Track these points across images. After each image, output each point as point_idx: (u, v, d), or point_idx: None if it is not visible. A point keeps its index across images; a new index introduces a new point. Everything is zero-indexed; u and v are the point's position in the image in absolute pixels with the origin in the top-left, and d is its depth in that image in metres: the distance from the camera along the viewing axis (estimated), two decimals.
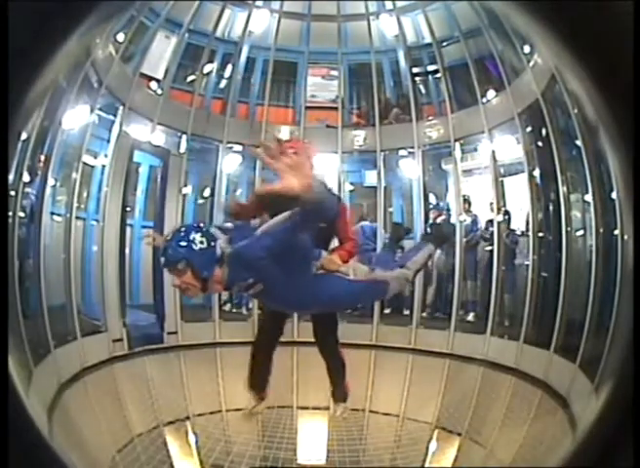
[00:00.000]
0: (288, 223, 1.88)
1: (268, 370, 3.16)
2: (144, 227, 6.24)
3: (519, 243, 5.72)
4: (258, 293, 2.08)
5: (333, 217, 1.96)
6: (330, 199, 1.80)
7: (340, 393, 3.24)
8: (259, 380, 3.17)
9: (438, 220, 6.19)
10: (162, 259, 1.98)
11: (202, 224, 2.09)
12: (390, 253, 3.09)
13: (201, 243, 1.94)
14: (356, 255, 2.78)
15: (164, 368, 5.01)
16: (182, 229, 2.05)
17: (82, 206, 5.32)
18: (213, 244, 1.97)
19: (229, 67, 6.83)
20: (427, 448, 3.10)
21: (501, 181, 5.92)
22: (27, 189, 4.32)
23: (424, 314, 6.12)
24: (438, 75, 6.55)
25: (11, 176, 3.24)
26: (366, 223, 6.42)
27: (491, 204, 5.92)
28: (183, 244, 1.94)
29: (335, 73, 7.01)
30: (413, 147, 6.38)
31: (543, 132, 5.17)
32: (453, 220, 6.20)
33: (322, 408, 3.62)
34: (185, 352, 5.39)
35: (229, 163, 6.57)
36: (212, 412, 3.55)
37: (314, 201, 1.67)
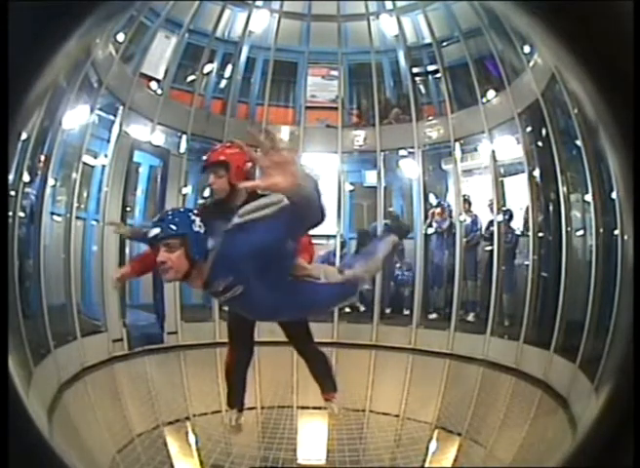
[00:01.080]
0: (274, 223, 1.80)
1: (245, 385, 2.97)
2: (144, 227, 6.23)
3: (519, 243, 5.72)
4: (236, 297, 1.98)
5: (317, 223, 1.81)
6: (319, 202, 1.69)
7: (329, 384, 3.14)
8: (238, 398, 2.97)
9: (438, 219, 6.19)
10: (155, 230, 1.85)
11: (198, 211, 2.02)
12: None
13: (199, 227, 1.89)
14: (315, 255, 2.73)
15: (164, 368, 5.01)
16: (183, 209, 2.02)
17: (82, 206, 5.33)
18: (207, 233, 1.90)
19: (229, 67, 6.84)
20: (427, 448, 3.10)
21: (501, 181, 5.92)
22: (27, 189, 4.32)
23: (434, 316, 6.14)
24: (438, 75, 6.55)
25: (11, 176, 3.24)
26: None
27: (490, 203, 5.93)
28: (185, 221, 1.88)
29: (335, 73, 7.01)
30: (413, 147, 6.38)
31: (543, 132, 5.18)
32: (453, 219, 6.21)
33: (322, 408, 3.62)
34: (185, 352, 5.40)
35: None
36: (212, 413, 3.55)
37: (300, 200, 1.59)
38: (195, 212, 1.99)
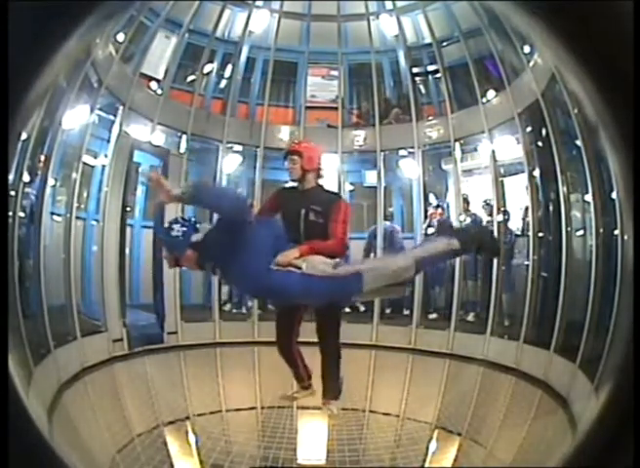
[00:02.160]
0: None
1: (299, 363, 3.22)
2: (144, 227, 6.24)
3: (518, 243, 5.72)
4: (222, 277, 2.67)
5: (240, 214, 2.47)
6: (216, 201, 2.49)
7: (333, 389, 3.22)
8: (295, 372, 3.25)
9: (440, 219, 6.17)
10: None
11: (185, 219, 2.67)
12: None
13: (177, 231, 2.53)
14: (339, 253, 2.76)
15: (164, 368, 5.01)
16: (172, 219, 2.65)
17: (82, 206, 5.32)
18: (187, 233, 2.53)
19: (229, 67, 6.83)
20: (427, 448, 3.10)
21: (501, 181, 5.92)
22: (27, 189, 4.32)
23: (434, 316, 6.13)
24: (438, 75, 6.55)
25: (11, 176, 3.24)
26: (387, 223, 6.43)
27: (485, 202, 5.93)
28: (166, 229, 2.58)
29: (335, 73, 7.01)
30: (413, 147, 6.37)
31: (543, 132, 5.17)
32: (453, 220, 6.21)
33: (322, 408, 3.62)
34: (185, 352, 5.40)
35: (229, 163, 6.57)
36: (212, 412, 3.55)
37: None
38: (180, 219, 2.61)
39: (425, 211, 6.34)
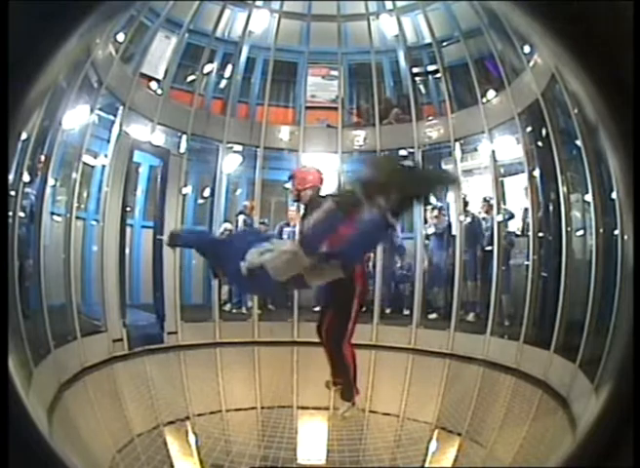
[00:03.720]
0: None
1: (348, 363, 3.43)
2: (144, 227, 6.24)
3: (519, 243, 5.72)
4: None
5: (215, 249, 3.27)
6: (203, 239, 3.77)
7: (344, 392, 3.30)
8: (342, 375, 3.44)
9: (436, 221, 6.15)
10: None
11: None
12: None
13: None
14: None
15: (164, 368, 5.01)
16: None
17: (82, 206, 5.32)
18: None
19: (229, 67, 6.84)
20: (427, 448, 3.10)
21: (501, 181, 5.92)
22: (27, 189, 4.31)
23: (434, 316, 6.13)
24: (438, 75, 6.55)
25: (11, 176, 3.23)
26: None
27: (485, 201, 5.92)
28: None
29: (335, 73, 7.01)
30: (413, 147, 6.37)
31: (543, 132, 5.17)
32: (453, 220, 6.21)
33: (322, 408, 3.62)
34: (185, 352, 5.40)
35: (229, 163, 6.57)
36: (212, 412, 3.55)
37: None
38: None
39: (425, 211, 6.33)
